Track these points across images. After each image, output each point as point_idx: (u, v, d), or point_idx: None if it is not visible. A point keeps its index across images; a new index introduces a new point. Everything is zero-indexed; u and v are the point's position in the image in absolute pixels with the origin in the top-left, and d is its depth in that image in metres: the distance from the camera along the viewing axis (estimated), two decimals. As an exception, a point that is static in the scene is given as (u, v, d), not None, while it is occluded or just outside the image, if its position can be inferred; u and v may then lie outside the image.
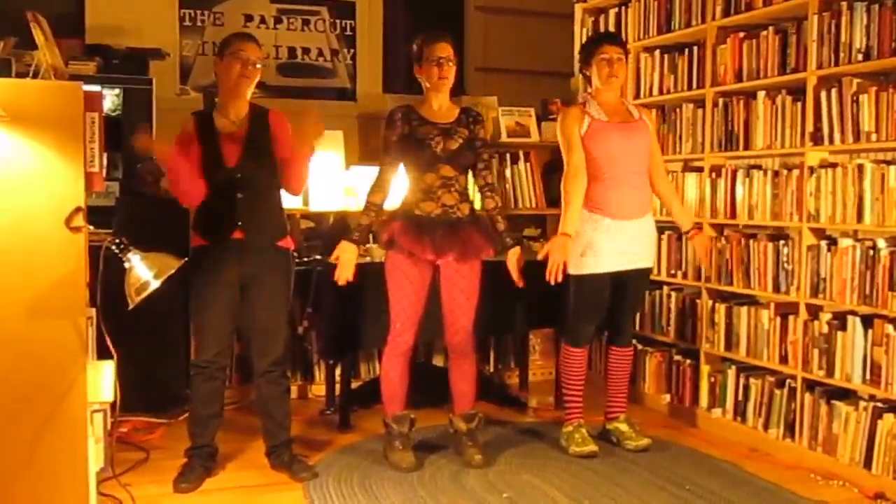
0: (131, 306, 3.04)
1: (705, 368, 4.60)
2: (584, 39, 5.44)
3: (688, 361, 4.72)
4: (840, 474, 3.79)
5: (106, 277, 3.07)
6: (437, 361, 5.29)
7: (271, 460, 3.81)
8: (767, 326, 4.24)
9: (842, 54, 3.86)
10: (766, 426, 4.23)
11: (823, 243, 3.97)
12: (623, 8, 5.24)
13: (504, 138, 5.70)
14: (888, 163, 3.70)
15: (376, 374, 5.16)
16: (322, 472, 3.78)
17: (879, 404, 3.71)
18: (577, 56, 5.59)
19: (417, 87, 3.96)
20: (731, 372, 4.44)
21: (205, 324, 3.66)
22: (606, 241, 3.98)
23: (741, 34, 4.42)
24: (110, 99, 5.08)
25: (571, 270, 4.04)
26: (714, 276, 4.55)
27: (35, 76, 3.34)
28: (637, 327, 5.03)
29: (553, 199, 5.65)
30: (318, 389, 5.04)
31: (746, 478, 3.82)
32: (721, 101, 4.53)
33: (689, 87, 4.75)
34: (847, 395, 3.88)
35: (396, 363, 3.87)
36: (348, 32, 6.29)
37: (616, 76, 4.03)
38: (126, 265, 3.05)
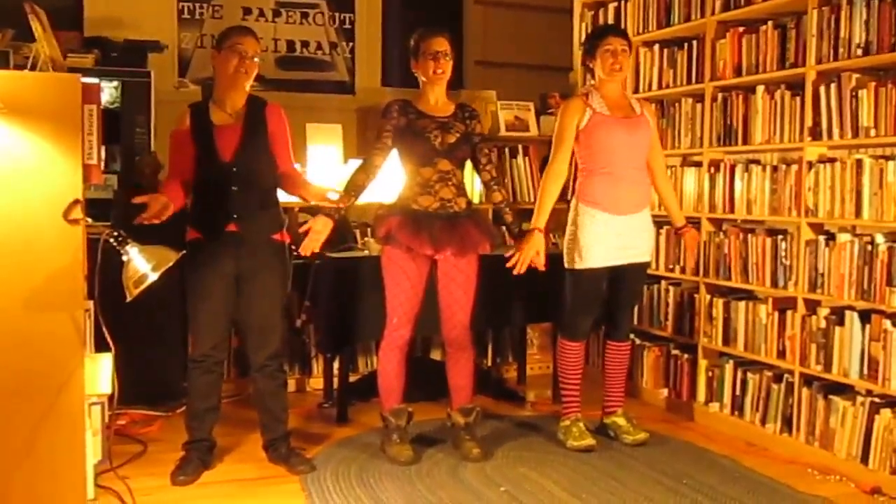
0: (129, 299, 3.04)
1: (703, 363, 4.60)
2: (586, 33, 5.45)
3: (685, 356, 4.73)
4: (837, 469, 3.80)
5: (104, 270, 3.07)
6: (435, 356, 5.29)
7: (269, 454, 3.81)
8: (765, 321, 4.24)
9: (841, 49, 3.86)
10: (763, 421, 4.24)
11: (822, 238, 3.97)
12: (622, 2, 5.23)
13: (503, 132, 5.70)
14: (887, 158, 3.70)
15: (374, 368, 5.16)
16: (320, 466, 3.78)
17: (877, 399, 3.71)
18: (577, 50, 5.60)
19: (416, 81, 3.96)
20: (729, 367, 4.44)
21: (201, 318, 3.65)
22: (602, 235, 3.97)
23: (740, 29, 4.41)
24: (108, 91, 5.07)
25: (567, 264, 4.05)
26: (712, 270, 4.55)
27: (33, 68, 3.33)
28: (635, 322, 5.04)
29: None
30: (316, 383, 5.05)
31: (744, 472, 3.82)
32: (720, 95, 4.53)
33: (689, 82, 4.74)
34: (844, 390, 3.88)
35: (393, 357, 3.88)
36: (347, 26, 6.28)
37: (620, 68, 4.02)
38: (124, 258, 3.05)
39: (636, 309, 4.94)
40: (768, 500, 3.50)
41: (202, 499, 3.48)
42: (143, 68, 5.23)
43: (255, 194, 3.65)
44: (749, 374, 4.33)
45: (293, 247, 4.79)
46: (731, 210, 4.47)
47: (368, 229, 5.18)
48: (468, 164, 4.01)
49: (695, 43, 4.70)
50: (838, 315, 3.89)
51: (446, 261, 3.82)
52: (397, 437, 3.89)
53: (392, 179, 4.02)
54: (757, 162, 4.38)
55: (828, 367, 3.91)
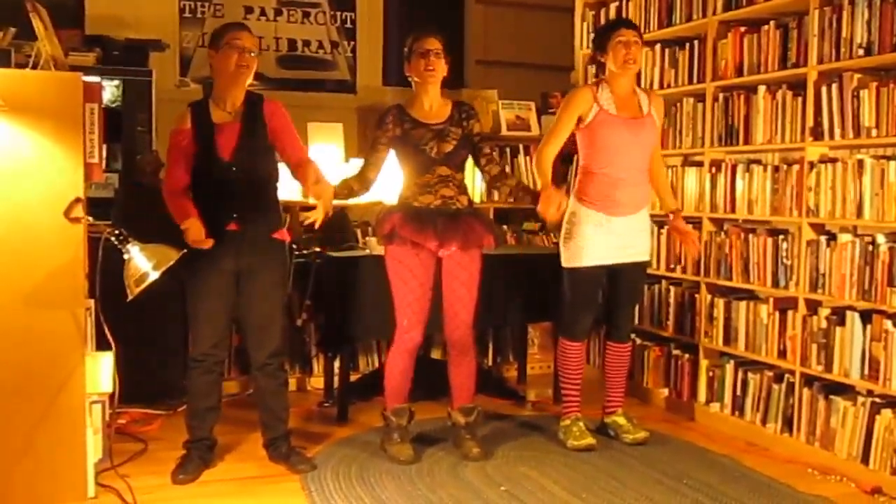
0: (130, 297, 3.04)
1: (704, 363, 4.60)
2: (588, 32, 5.45)
3: (686, 356, 4.72)
4: (838, 469, 3.79)
5: (105, 268, 3.07)
6: (436, 355, 5.29)
7: (269, 452, 3.81)
8: (766, 321, 4.24)
9: (843, 49, 3.85)
10: (764, 421, 4.24)
11: (823, 238, 3.97)
12: (624, 2, 5.23)
13: (504, 132, 5.70)
14: (888, 158, 3.70)
15: (375, 367, 5.17)
16: (320, 465, 3.78)
17: (877, 399, 3.71)
18: (578, 49, 5.60)
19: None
20: (730, 366, 4.44)
21: (201, 316, 3.63)
22: (599, 235, 3.96)
23: (742, 29, 4.41)
24: (110, 90, 5.08)
25: (564, 263, 4.05)
26: (713, 270, 4.55)
27: (35, 67, 3.34)
28: (636, 322, 5.04)
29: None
30: (317, 382, 5.04)
31: (744, 472, 3.82)
32: (721, 95, 4.53)
33: (690, 82, 4.74)
34: (845, 390, 3.88)
35: (401, 360, 3.87)
36: (348, 25, 6.28)
37: (634, 60, 3.96)
38: (125, 256, 3.05)
39: (637, 309, 4.95)
40: (769, 500, 3.50)
41: (203, 497, 3.48)
42: (144, 67, 5.23)
43: (254, 193, 3.64)
44: (750, 374, 4.33)
45: (294, 245, 4.80)
46: (733, 210, 4.46)
47: (369, 228, 5.18)
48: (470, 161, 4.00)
49: (696, 43, 4.70)
50: (839, 315, 3.88)
51: (451, 258, 3.80)
52: (398, 436, 3.89)
53: (393, 180, 4.01)
54: (758, 162, 4.37)
55: (828, 367, 3.91)
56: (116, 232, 3.05)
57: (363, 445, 4.05)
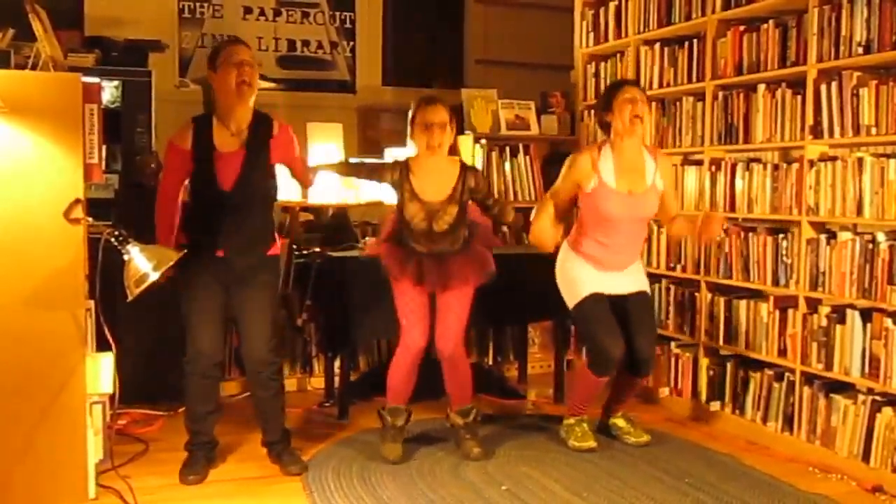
0: (130, 298, 3.04)
1: (704, 361, 4.60)
2: (587, 31, 5.44)
3: (687, 354, 4.72)
4: (838, 467, 3.79)
5: (105, 269, 3.07)
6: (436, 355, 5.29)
7: (267, 451, 3.82)
8: (766, 320, 4.24)
9: (842, 48, 3.85)
10: (764, 419, 4.24)
11: (823, 237, 3.97)
12: (623, 1, 5.23)
13: (503, 131, 5.70)
14: (888, 156, 3.70)
15: (375, 367, 5.17)
16: (321, 465, 3.78)
17: (878, 398, 3.71)
18: (578, 48, 5.60)
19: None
20: (730, 365, 4.44)
21: (195, 320, 3.59)
22: (588, 271, 4.00)
23: (741, 27, 4.41)
24: (109, 91, 5.07)
25: (569, 304, 4.04)
26: (713, 269, 4.55)
27: (34, 68, 3.34)
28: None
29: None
30: (317, 382, 5.04)
31: (745, 470, 3.82)
32: (721, 94, 4.53)
33: (689, 81, 4.74)
34: (846, 388, 3.88)
35: (405, 362, 3.88)
36: (348, 25, 6.28)
37: (640, 117, 3.88)
38: (125, 257, 3.05)
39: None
40: (770, 499, 3.50)
41: (204, 498, 3.48)
42: (143, 68, 5.23)
43: (248, 222, 3.58)
44: (750, 373, 4.33)
45: (294, 245, 4.80)
46: (732, 208, 4.46)
47: (370, 228, 5.18)
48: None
49: (695, 41, 4.69)
50: (839, 313, 3.88)
51: (447, 292, 3.85)
52: (391, 435, 3.89)
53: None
54: (758, 160, 4.37)
55: (829, 365, 3.91)
56: (116, 233, 3.05)
57: (364, 445, 4.05)
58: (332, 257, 4.48)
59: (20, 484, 3.10)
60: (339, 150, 5.20)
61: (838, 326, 3.86)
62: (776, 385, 4.18)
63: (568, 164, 4.00)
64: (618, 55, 5.21)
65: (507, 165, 5.62)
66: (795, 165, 4.10)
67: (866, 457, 3.71)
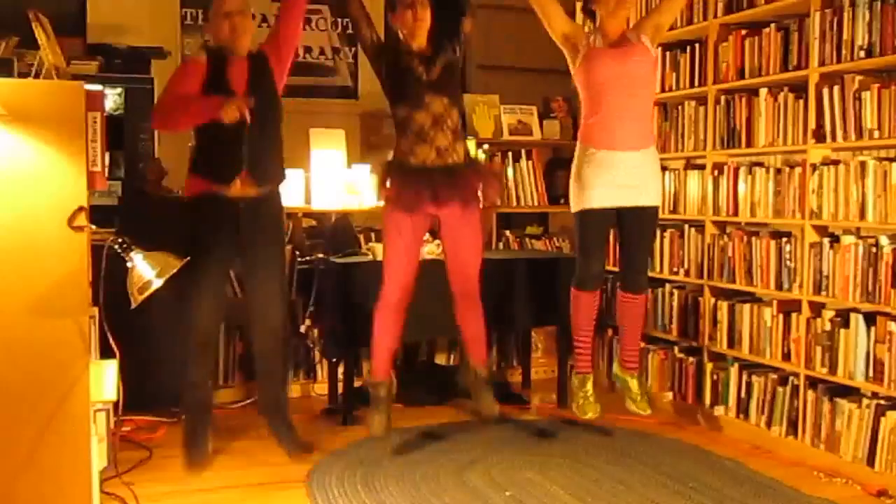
0: (134, 305, 3.05)
1: (708, 366, 4.60)
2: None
3: (690, 359, 4.72)
4: (843, 472, 3.79)
5: (108, 276, 3.07)
6: (440, 360, 5.30)
7: (268, 422, 3.85)
8: (770, 324, 4.24)
9: (844, 51, 3.85)
10: (769, 424, 4.23)
11: (826, 241, 3.97)
12: (625, 5, 5.22)
13: (506, 136, 5.70)
14: (891, 160, 3.70)
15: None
16: (325, 470, 3.78)
17: (882, 402, 3.71)
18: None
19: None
20: (734, 369, 4.44)
21: (200, 290, 3.63)
22: (598, 175, 3.88)
23: (743, 31, 4.41)
24: (112, 98, 5.08)
25: (573, 208, 4.00)
26: (716, 273, 4.55)
27: (37, 76, 3.34)
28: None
29: (555, 197, 5.66)
30: (321, 388, 5.04)
31: (749, 475, 3.81)
32: (723, 98, 4.53)
33: (692, 85, 4.74)
34: (850, 392, 3.88)
35: (386, 316, 3.86)
36: (349, 31, 6.28)
37: (625, 2, 3.90)
38: (128, 264, 3.05)
39: (645, 313, 4.89)
40: (774, 503, 3.49)
41: (208, 504, 3.49)
42: (146, 75, 5.24)
43: (264, 134, 3.64)
44: (754, 377, 4.33)
45: (297, 251, 4.80)
46: (735, 213, 4.46)
47: (372, 234, 5.18)
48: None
49: (697, 45, 4.70)
50: (843, 317, 3.88)
51: (449, 219, 3.81)
52: (376, 406, 3.93)
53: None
54: (760, 164, 4.37)
55: (833, 369, 3.90)
56: (119, 240, 3.05)
57: (368, 451, 4.04)
58: (335, 263, 4.49)
59: (24, 492, 3.10)
60: (342, 156, 5.20)
61: (842, 330, 3.85)
62: (780, 389, 4.18)
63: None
64: None
65: (510, 170, 5.63)
66: (798, 169, 4.10)
67: (871, 461, 3.71)
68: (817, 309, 4.02)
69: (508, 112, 5.74)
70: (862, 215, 3.78)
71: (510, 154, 5.64)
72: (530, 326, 5.28)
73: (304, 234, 5.10)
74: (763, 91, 4.29)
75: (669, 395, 4.84)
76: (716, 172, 4.58)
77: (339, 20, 6.25)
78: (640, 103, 3.93)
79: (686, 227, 4.79)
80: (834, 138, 3.92)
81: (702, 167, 4.69)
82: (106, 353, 3.23)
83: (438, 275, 3.92)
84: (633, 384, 4.13)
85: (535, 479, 3.73)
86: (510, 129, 5.73)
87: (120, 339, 3.09)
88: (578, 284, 4.04)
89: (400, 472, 3.78)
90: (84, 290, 3.09)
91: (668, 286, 4.90)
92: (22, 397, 3.04)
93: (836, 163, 3.92)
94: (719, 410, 4.51)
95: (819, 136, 3.99)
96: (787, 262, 4.15)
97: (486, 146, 5.56)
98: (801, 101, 4.09)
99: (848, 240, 3.86)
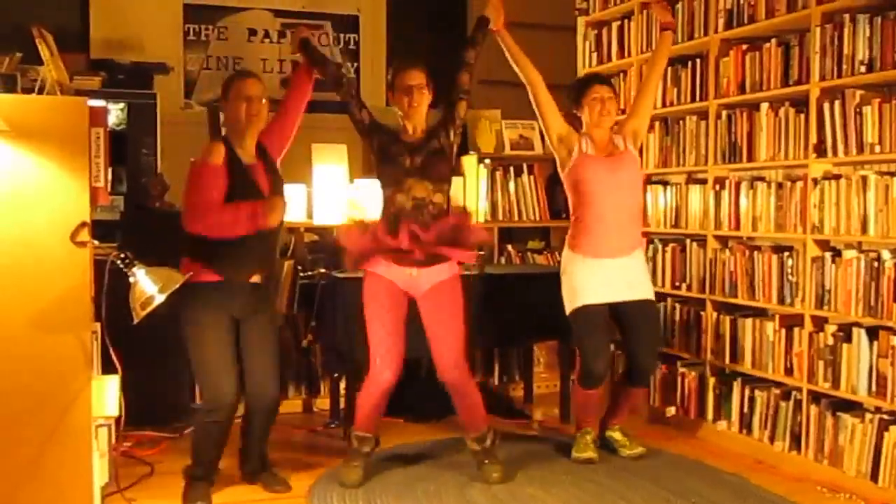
0: (136, 320, 3.05)
1: (711, 380, 4.59)
2: (589, 52, 5.48)
3: (693, 374, 4.71)
4: (846, 487, 3.78)
5: (110, 291, 3.07)
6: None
7: (244, 470, 3.82)
8: (772, 338, 4.23)
9: (844, 66, 3.86)
10: (771, 438, 4.22)
11: (828, 255, 3.97)
12: (625, 21, 5.25)
13: (507, 151, 5.71)
14: (892, 174, 3.70)
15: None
16: (326, 486, 3.77)
17: (885, 416, 3.70)
18: (581, 68, 5.61)
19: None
20: (737, 384, 4.43)
21: (213, 366, 3.54)
22: (593, 276, 4.02)
23: (744, 46, 4.43)
24: (115, 113, 5.10)
25: (567, 310, 4.09)
26: (718, 288, 4.54)
27: (40, 91, 3.35)
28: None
29: (556, 211, 5.66)
30: (323, 403, 5.03)
31: (752, 490, 3.80)
32: (724, 113, 4.54)
33: (693, 100, 4.75)
34: (853, 406, 3.87)
35: (374, 395, 3.81)
36: (351, 46, 6.31)
37: (609, 114, 4.10)
38: (131, 279, 3.05)
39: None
40: (778, 519, 3.49)
41: (209, 520, 3.48)
42: (149, 90, 5.26)
43: (274, 235, 3.70)
44: (757, 392, 4.32)
45: (299, 267, 4.80)
46: (737, 227, 4.46)
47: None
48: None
49: (698, 61, 4.71)
50: (846, 331, 3.87)
51: (426, 298, 3.75)
52: (355, 458, 3.84)
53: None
54: (762, 179, 4.38)
55: (836, 383, 3.89)
56: (122, 255, 3.06)
57: (369, 466, 4.03)
58: (337, 278, 4.49)
59: (26, 507, 3.09)
60: (344, 171, 5.21)
61: (844, 345, 3.85)
62: (783, 404, 4.17)
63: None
64: (620, 75, 5.23)
65: (512, 185, 5.64)
66: (799, 184, 4.10)
67: (875, 476, 3.69)
68: (820, 323, 4.01)
69: (510, 127, 5.76)
70: (864, 229, 3.79)
71: (512, 168, 5.65)
72: (532, 341, 5.27)
73: (306, 248, 5.11)
74: (764, 106, 4.29)
75: (672, 409, 4.82)
76: (717, 187, 4.58)
77: (342, 36, 6.28)
78: (630, 209, 4.12)
79: (688, 241, 4.79)
80: (835, 153, 3.92)
81: (703, 182, 4.69)
82: (108, 368, 3.22)
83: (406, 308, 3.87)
84: (618, 435, 4.25)
85: (537, 495, 3.71)
86: (512, 144, 5.75)
87: (122, 355, 3.09)
88: (584, 383, 4.13)
89: (401, 489, 3.76)
90: (86, 305, 3.09)
91: (669, 300, 4.90)
92: (24, 412, 3.03)
93: (837, 177, 3.93)
94: (722, 425, 4.49)
95: (820, 151, 4.00)
96: (789, 277, 4.15)
97: (487, 161, 5.57)
98: (802, 116, 4.09)
99: (850, 254, 3.86)
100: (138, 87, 5.22)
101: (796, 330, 4.10)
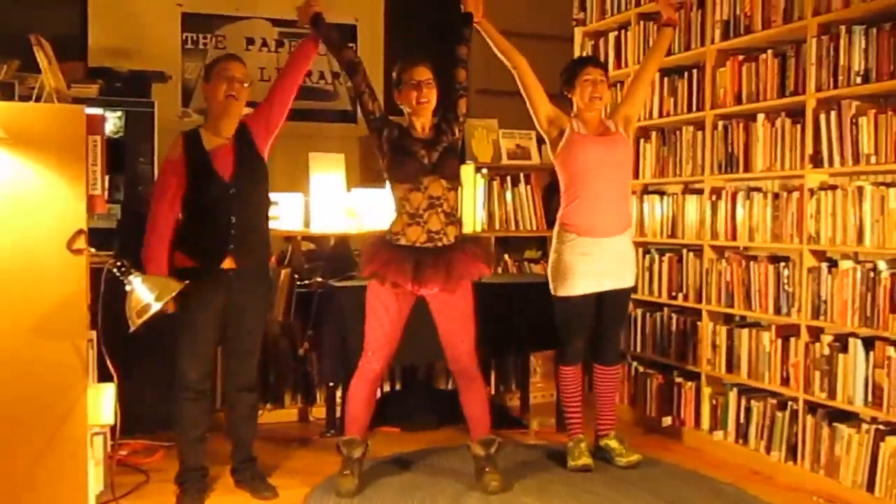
0: (132, 329, 3.05)
1: (707, 390, 4.59)
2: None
3: (689, 384, 4.71)
4: (843, 497, 3.77)
5: (107, 299, 3.07)
6: (440, 384, 5.29)
7: (235, 477, 3.84)
8: (769, 348, 4.23)
9: (840, 77, 3.88)
10: (768, 448, 4.22)
11: (824, 265, 3.97)
12: (622, 31, 5.27)
13: (504, 161, 5.72)
14: (888, 185, 3.71)
15: (377, 397, 5.15)
16: (322, 495, 3.77)
17: (881, 427, 3.70)
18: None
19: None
20: (733, 394, 4.43)
21: (192, 348, 3.64)
22: (585, 264, 4.03)
23: (740, 57, 4.44)
24: (112, 121, 5.09)
25: (554, 292, 4.13)
26: (714, 298, 4.55)
27: (38, 99, 3.36)
28: (639, 349, 5.04)
29: (553, 220, 5.65)
30: (319, 412, 5.02)
31: (748, 500, 3.80)
32: (721, 123, 4.55)
33: (689, 110, 4.76)
34: (849, 417, 3.87)
35: (363, 388, 3.84)
36: (349, 55, 6.31)
37: (600, 97, 4.10)
38: (127, 288, 3.05)
39: (640, 336, 4.97)
40: (774, 529, 3.48)
41: (204, 529, 3.47)
42: (146, 98, 5.26)
43: (251, 221, 3.67)
44: (753, 402, 4.32)
45: (296, 275, 4.80)
46: (734, 237, 4.47)
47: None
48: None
49: (695, 71, 4.72)
50: (842, 342, 3.88)
51: (437, 297, 3.75)
52: (349, 467, 3.83)
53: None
54: (758, 189, 4.38)
55: (832, 394, 3.90)
56: (118, 263, 3.06)
57: (365, 475, 4.02)
58: (334, 287, 4.48)
59: (20, 515, 3.08)
60: (342, 180, 5.21)
61: (841, 355, 3.85)
62: (779, 414, 4.17)
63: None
64: (617, 85, 5.24)
65: (509, 195, 5.64)
66: (796, 194, 4.11)
67: (871, 486, 3.69)
68: (816, 334, 4.02)
69: (507, 136, 5.76)
70: (860, 240, 3.79)
71: (509, 178, 5.66)
72: (529, 350, 5.27)
73: (303, 257, 5.11)
74: (760, 116, 4.31)
75: (668, 419, 4.82)
76: (714, 197, 4.59)
77: (339, 45, 6.28)
78: (621, 188, 4.15)
79: (684, 251, 4.79)
80: (831, 163, 3.93)
81: (700, 192, 4.70)
82: (104, 376, 3.22)
83: (416, 307, 3.87)
84: (614, 443, 4.24)
85: (533, 505, 3.71)
86: (509, 154, 5.75)
87: (118, 363, 3.08)
88: (563, 360, 4.23)
89: (397, 498, 3.76)
90: (83, 313, 3.09)
91: (666, 310, 4.90)
92: (20, 420, 3.03)
93: (833, 188, 3.94)
94: (718, 435, 4.49)
95: (816, 161, 4.01)
96: (786, 287, 4.15)
97: (484, 171, 5.58)
98: (799, 127, 4.11)
99: (846, 264, 3.86)
100: (136, 96, 5.21)
101: (793, 340, 4.11)
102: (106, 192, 3.39)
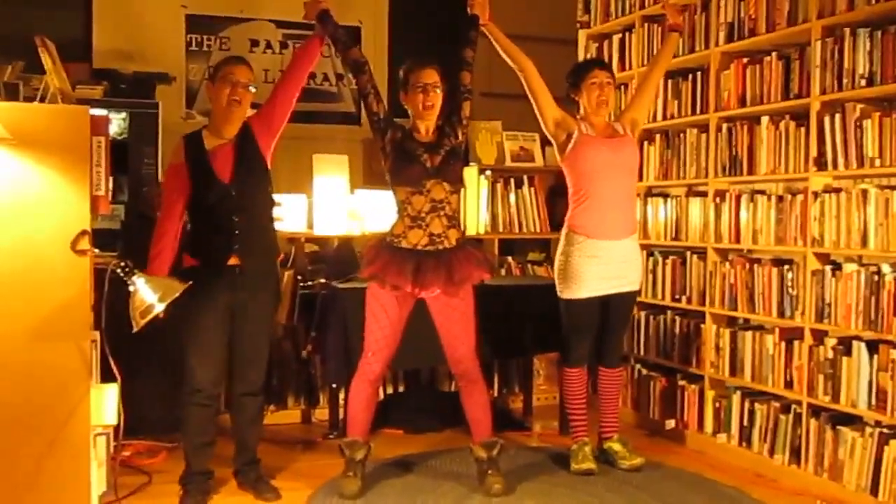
0: (136, 329, 3.05)
1: (710, 394, 4.58)
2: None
3: (692, 386, 4.70)
4: (846, 501, 3.77)
5: (111, 300, 3.07)
6: (443, 387, 5.28)
7: (238, 479, 3.83)
8: (772, 352, 4.23)
9: (845, 80, 3.87)
10: (771, 452, 4.21)
11: (828, 268, 3.97)
12: (626, 34, 5.26)
13: (508, 163, 5.72)
14: (892, 188, 3.70)
15: (380, 399, 5.15)
16: (325, 497, 3.76)
17: (885, 430, 3.69)
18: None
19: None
20: (736, 397, 4.42)
21: (200, 350, 3.62)
22: (589, 266, 4.02)
23: (744, 60, 4.44)
24: (117, 123, 5.11)
25: (560, 295, 4.12)
26: (718, 300, 4.54)
27: (42, 100, 3.36)
28: (642, 352, 5.03)
29: (557, 223, 5.66)
30: (322, 414, 5.02)
31: (752, 504, 3.80)
32: (725, 126, 4.55)
33: (693, 113, 4.76)
34: (853, 420, 3.86)
35: (363, 389, 3.83)
36: (353, 57, 6.31)
37: (606, 101, 4.09)
38: (131, 288, 3.05)
39: (641, 339, 4.97)
40: (777, 533, 3.47)
41: (207, 530, 3.47)
42: (151, 100, 5.27)
43: (254, 221, 3.67)
44: (756, 405, 4.31)
45: (300, 277, 4.80)
46: (737, 240, 4.46)
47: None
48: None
49: (699, 74, 4.72)
50: (845, 345, 3.87)
51: (437, 300, 3.74)
52: (351, 470, 3.82)
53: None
54: (762, 192, 4.38)
55: (836, 397, 3.89)
56: (122, 264, 3.06)
57: (368, 478, 4.02)
58: (337, 288, 4.48)
59: (23, 516, 3.08)
60: (345, 182, 5.22)
61: (844, 358, 3.84)
62: (783, 417, 4.16)
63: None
64: (622, 87, 5.24)
65: (512, 197, 5.65)
66: (800, 197, 4.11)
67: (874, 490, 3.68)
68: (819, 337, 4.01)
69: (511, 139, 5.77)
70: (864, 243, 3.79)
71: (512, 180, 5.66)
72: (532, 353, 5.26)
73: (307, 259, 5.11)
74: (765, 119, 4.30)
75: (671, 422, 4.82)
76: (717, 200, 4.58)
77: (343, 47, 6.29)
78: (629, 191, 4.15)
79: (688, 254, 4.79)
80: (835, 166, 3.93)
81: (704, 194, 4.69)
82: (107, 376, 3.22)
83: (415, 309, 3.85)
84: (617, 446, 4.23)
85: (536, 507, 3.71)
86: (512, 156, 5.75)
87: (121, 363, 3.09)
88: (567, 363, 4.22)
89: (400, 500, 3.75)
90: (86, 313, 3.09)
91: (669, 313, 4.89)
92: (23, 421, 3.03)
93: (837, 191, 3.93)
94: (722, 438, 4.48)
95: (820, 164, 4.00)
96: (789, 290, 4.15)
97: (488, 173, 5.58)
98: (803, 129, 4.10)
99: (850, 267, 3.86)
100: (140, 97, 5.23)
101: (796, 343, 4.10)
102: (110, 194, 3.40)
